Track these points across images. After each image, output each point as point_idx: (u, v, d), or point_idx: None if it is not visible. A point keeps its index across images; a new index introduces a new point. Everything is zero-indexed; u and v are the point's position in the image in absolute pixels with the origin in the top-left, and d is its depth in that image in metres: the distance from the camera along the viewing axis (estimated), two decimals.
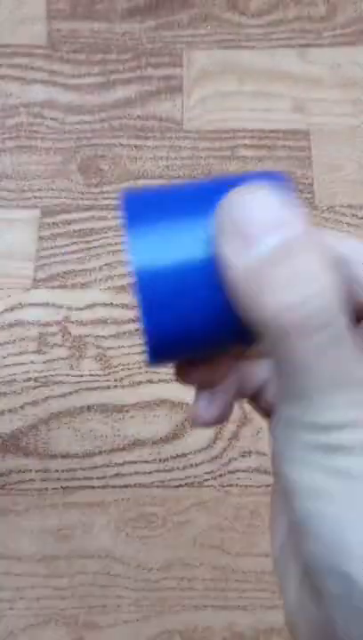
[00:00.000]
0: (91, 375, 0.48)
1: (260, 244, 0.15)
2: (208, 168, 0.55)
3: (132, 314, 0.50)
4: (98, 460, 0.46)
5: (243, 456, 0.46)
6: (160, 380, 0.48)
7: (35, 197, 0.54)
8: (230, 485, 0.45)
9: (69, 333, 0.49)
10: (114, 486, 0.45)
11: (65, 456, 0.46)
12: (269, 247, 0.15)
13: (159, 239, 0.17)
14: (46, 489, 0.46)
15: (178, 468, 0.46)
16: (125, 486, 0.45)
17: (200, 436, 0.47)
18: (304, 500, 0.16)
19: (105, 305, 0.50)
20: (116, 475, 0.46)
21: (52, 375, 0.48)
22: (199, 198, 0.18)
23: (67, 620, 0.42)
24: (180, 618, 0.42)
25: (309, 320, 0.15)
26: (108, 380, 0.48)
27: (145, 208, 0.17)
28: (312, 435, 0.16)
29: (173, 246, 0.17)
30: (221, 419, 0.21)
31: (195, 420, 0.21)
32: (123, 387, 0.48)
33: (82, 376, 0.48)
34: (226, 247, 0.16)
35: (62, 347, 0.49)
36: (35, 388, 0.48)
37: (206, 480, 0.45)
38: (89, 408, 0.47)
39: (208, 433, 0.46)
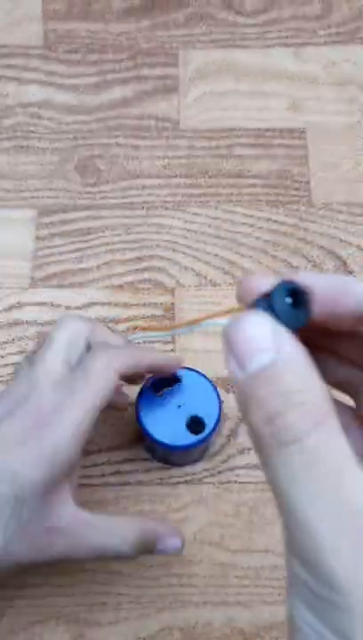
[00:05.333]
0: None
1: (250, 364, 0.18)
2: (204, 167, 0.55)
3: (129, 312, 0.50)
4: (97, 459, 0.46)
5: (241, 453, 0.46)
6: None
7: (32, 197, 0.54)
8: (229, 482, 0.45)
9: None
10: (113, 484, 0.46)
11: None
12: (255, 367, 0.18)
13: None
14: None
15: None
16: (125, 484, 0.46)
17: None
18: None
19: (103, 304, 0.50)
20: (116, 473, 0.46)
21: None
22: None
23: (67, 618, 0.43)
24: (180, 614, 0.43)
25: (280, 435, 0.17)
26: None
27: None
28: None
29: None
30: None
31: None
32: (121, 385, 0.48)
33: None
34: (228, 364, 0.18)
35: None
36: None
37: (205, 477, 0.45)
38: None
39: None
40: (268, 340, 0.18)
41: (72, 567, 0.44)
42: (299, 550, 0.16)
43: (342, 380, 0.24)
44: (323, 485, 0.16)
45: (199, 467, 0.46)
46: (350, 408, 0.24)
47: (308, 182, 0.55)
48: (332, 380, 0.24)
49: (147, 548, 0.35)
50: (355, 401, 0.24)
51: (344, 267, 0.52)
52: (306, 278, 0.20)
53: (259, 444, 0.17)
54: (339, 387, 0.24)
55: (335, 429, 0.17)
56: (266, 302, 0.20)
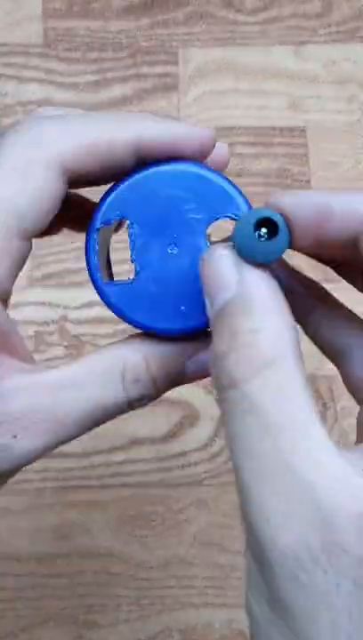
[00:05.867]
0: None
1: (216, 300, 0.17)
2: None
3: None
4: (96, 460, 0.46)
5: None
6: None
7: None
8: (230, 483, 0.45)
9: (67, 332, 0.49)
10: (113, 485, 0.45)
11: (63, 455, 0.46)
12: (220, 304, 0.17)
13: None
14: (45, 488, 0.45)
15: (177, 467, 0.46)
16: (124, 485, 0.45)
17: (199, 435, 0.47)
18: None
19: (102, 304, 0.50)
20: (115, 474, 0.45)
21: None
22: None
23: (66, 620, 0.42)
24: (179, 616, 0.42)
25: (223, 376, 0.16)
26: None
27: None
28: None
29: None
30: None
31: None
32: None
33: None
34: (205, 298, 0.18)
35: (60, 346, 0.49)
36: None
37: (205, 479, 0.45)
38: None
39: (207, 431, 0.46)
40: (230, 276, 0.17)
41: (71, 568, 0.44)
42: (242, 514, 0.15)
43: (331, 340, 0.22)
44: (255, 438, 0.15)
45: (200, 468, 0.45)
46: None
47: (308, 181, 0.54)
48: (319, 342, 0.22)
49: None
50: (340, 369, 0.22)
51: None
52: (282, 202, 0.19)
53: (215, 379, 0.17)
54: (327, 351, 0.22)
55: (286, 376, 0.16)
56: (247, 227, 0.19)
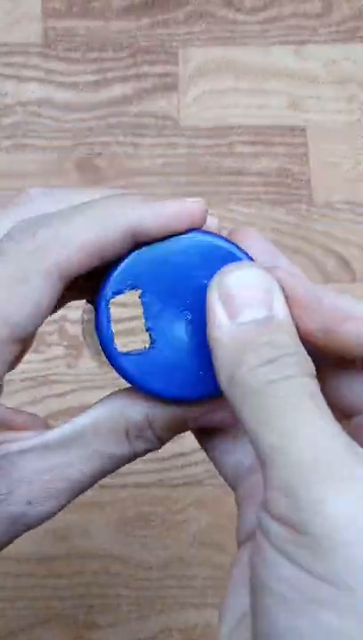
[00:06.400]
0: (88, 374, 0.48)
1: (243, 315, 0.18)
2: (205, 165, 0.55)
3: (129, 312, 0.50)
4: None
5: None
6: None
7: None
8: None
9: (67, 332, 0.49)
10: (112, 486, 0.45)
11: None
12: (249, 319, 0.18)
13: None
14: None
15: (176, 467, 0.46)
16: (124, 486, 0.45)
17: None
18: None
19: None
20: (115, 474, 0.45)
21: (49, 374, 0.48)
22: None
23: (66, 620, 0.42)
24: (179, 616, 0.42)
25: (280, 371, 0.17)
26: (105, 380, 0.48)
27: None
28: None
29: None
30: None
31: None
32: (120, 386, 0.48)
33: (79, 375, 0.48)
34: (213, 312, 0.18)
35: (60, 346, 0.49)
36: (33, 387, 0.48)
37: (205, 479, 0.45)
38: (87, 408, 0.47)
39: None
40: (265, 296, 0.18)
41: (71, 568, 0.44)
42: (294, 481, 0.15)
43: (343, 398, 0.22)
44: (325, 414, 0.16)
45: (200, 468, 0.45)
46: None
47: (308, 181, 0.54)
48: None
49: None
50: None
51: (346, 265, 0.51)
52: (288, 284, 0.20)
53: (250, 384, 0.17)
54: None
55: (318, 389, 0.17)
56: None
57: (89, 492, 0.45)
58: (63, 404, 0.47)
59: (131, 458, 0.22)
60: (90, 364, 0.48)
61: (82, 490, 0.22)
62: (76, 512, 0.45)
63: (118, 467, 0.22)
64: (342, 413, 0.22)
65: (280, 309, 0.18)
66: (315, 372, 0.18)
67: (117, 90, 0.57)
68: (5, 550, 0.44)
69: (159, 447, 0.22)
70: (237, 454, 0.23)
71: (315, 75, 0.58)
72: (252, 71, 0.58)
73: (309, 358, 0.18)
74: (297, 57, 0.59)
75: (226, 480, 0.24)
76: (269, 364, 0.17)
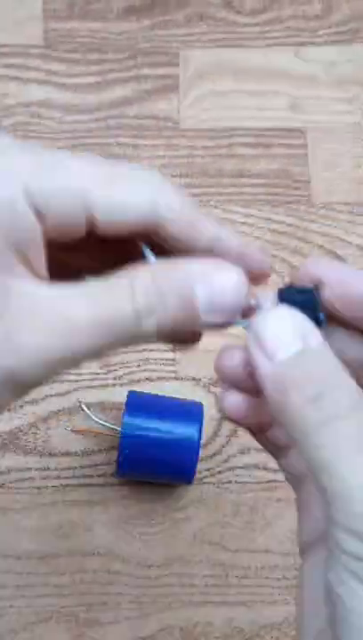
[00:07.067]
0: (90, 373, 0.48)
1: (279, 353, 0.19)
2: (205, 166, 0.55)
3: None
4: (97, 458, 0.46)
5: (242, 453, 0.46)
6: (159, 378, 0.48)
7: None
8: (229, 482, 0.45)
9: None
10: (113, 484, 0.46)
11: (65, 454, 0.47)
12: (288, 354, 0.19)
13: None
14: (46, 487, 0.46)
15: None
16: (125, 484, 0.46)
17: None
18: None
19: None
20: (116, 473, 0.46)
21: None
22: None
23: (67, 618, 0.43)
24: (180, 614, 0.42)
25: (328, 409, 0.18)
26: (106, 379, 0.48)
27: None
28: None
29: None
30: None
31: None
32: (121, 385, 0.48)
33: (81, 374, 0.48)
34: (254, 357, 0.19)
35: None
36: None
37: (205, 477, 0.45)
38: (88, 406, 0.47)
39: (207, 430, 0.46)
40: (297, 331, 0.19)
41: (72, 567, 0.44)
42: (348, 520, 0.17)
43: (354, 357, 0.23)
44: None
45: (200, 466, 0.45)
46: None
47: (308, 182, 0.54)
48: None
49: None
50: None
51: None
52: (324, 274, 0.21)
53: (299, 425, 0.18)
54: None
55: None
56: (291, 297, 0.21)
57: (90, 491, 0.45)
58: (64, 404, 0.47)
59: (135, 323, 0.19)
60: (91, 363, 0.48)
61: (80, 344, 0.19)
62: (77, 510, 0.45)
63: (121, 334, 0.19)
64: None
65: (312, 340, 0.19)
66: (361, 393, 0.18)
67: (118, 91, 0.57)
68: (7, 548, 0.45)
69: (167, 323, 0.20)
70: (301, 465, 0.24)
71: (315, 76, 0.58)
72: (252, 73, 0.58)
73: (352, 381, 0.18)
74: (297, 58, 0.59)
75: (288, 481, 0.25)
76: (314, 402, 0.18)
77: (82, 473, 0.46)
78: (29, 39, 0.59)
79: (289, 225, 0.53)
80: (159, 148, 0.55)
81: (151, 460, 0.41)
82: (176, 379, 0.48)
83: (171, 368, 0.48)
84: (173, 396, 0.45)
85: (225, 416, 0.24)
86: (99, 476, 0.46)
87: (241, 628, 0.42)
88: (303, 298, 0.21)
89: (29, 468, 0.46)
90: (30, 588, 0.43)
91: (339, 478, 0.17)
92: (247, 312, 0.21)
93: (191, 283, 0.19)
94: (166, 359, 0.49)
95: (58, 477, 0.46)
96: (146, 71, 0.58)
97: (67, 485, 0.46)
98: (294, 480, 0.24)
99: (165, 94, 0.57)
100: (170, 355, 0.49)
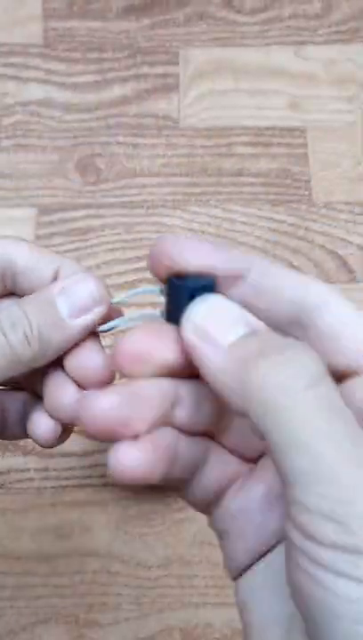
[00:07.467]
0: None
1: (225, 339, 0.18)
2: (204, 165, 0.55)
3: (129, 312, 0.50)
4: (97, 459, 0.46)
5: None
6: None
7: (31, 196, 0.53)
8: None
9: None
10: (113, 485, 0.45)
11: (64, 455, 0.46)
12: (232, 339, 0.18)
13: None
14: (45, 488, 0.46)
15: None
16: (125, 484, 0.45)
17: None
18: None
19: None
20: None
21: None
22: None
23: (67, 619, 0.42)
24: (180, 615, 0.42)
25: (295, 379, 0.16)
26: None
27: None
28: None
29: None
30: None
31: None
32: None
33: None
34: (197, 349, 0.18)
35: None
36: None
37: None
38: None
39: None
40: (238, 315, 0.19)
41: (72, 567, 0.44)
42: (334, 506, 0.15)
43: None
44: (350, 429, 0.16)
45: None
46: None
47: (308, 181, 0.54)
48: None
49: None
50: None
51: (345, 266, 0.52)
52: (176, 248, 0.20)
53: (267, 400, 0.16)
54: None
55: (332, 387, 0.17)
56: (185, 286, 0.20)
57: (89, 491, 0.45)
58: None
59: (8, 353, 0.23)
60: None
61: None
62: (76, 510, 0.45)
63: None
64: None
65: (256, 322, 0.19)
66: (326, 366, 0.17)
67: (117, 90, 0.57)
68: (6, 549, 0.45)
69: (38, 359, 0.24)
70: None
71: (315, 75, 0.58)
72: (252, 72, 0.58)
73: (314, 354, 0.17)
74: (297, 57, 0.59)
75: (213, 528, 0.24)
76: (281, 373, 0.16)
77: (81, 473, 0.46)
78: (29, 38, 0.59)
79: (289, 224, 0.53)
80: (159, 148, 0.55)
81: None
82: None
83: None
84: None
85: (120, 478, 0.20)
86: (98, 476, 0.46)
87: (241, 630, 0.42)
88: (201, 286, 0.19)
89: (29, 469, 0.46)
90: (29, 589, 0.43)
91: (314, 456, 0.15)
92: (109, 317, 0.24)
93: (51, 295, 0.22)
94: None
95: (57, 478, 0.46)
96: (146, 70, 0.58)
97: (66, 486, 0.46)
98: (221, 529, 0.23)
99: (164, 93, 0.57)
100: None
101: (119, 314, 0.26)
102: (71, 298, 0.23)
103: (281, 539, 0.21)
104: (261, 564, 0.22)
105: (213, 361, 0.18)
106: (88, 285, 0.23)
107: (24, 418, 0.26)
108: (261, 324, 0.19)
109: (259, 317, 0.19)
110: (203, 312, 0.19)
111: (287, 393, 0.16)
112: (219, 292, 0.20)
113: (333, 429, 0.16)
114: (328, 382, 0.17)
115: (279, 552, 0.21)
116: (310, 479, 0.15)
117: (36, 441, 0.25)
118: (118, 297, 0.25)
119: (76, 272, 0.24)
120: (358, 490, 0.15)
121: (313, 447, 0.15)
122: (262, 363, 0.17)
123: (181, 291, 0.19)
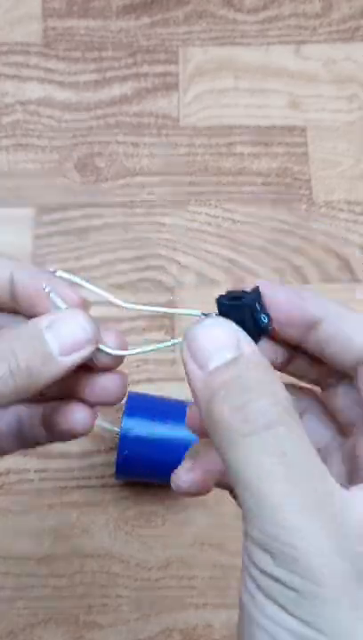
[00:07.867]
0: None
1: (211, 362, 0.19)
2: (204, 165, 0.55)
3: (129, 312, 0.50)
4: (96, 460, 0.46)
5: None
6: (159, 379, 0.48)
7: (31, 195, 0.53)
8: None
9: None
10: (113, 485, 0.45)
11: (63, 456, 0.46)
12: (216, 364, 0.19)
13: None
14: (45, 489, 0.45)
15: None
16: (124, 485, 0.45)
17: None
18: None
19: (102, 303, 0.50)
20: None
21: None
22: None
23: (67, 620, 0.42)
24: (179, 616, 0.42)
25: (252, 421, 0.17)
26: None
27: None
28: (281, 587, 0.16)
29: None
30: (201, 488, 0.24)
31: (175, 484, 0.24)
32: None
33: None
34: (187, 368, 0.19)
35: None
36: None
37: None
38: None
39: None
40: (229, 340, 0.19)
41: (71, 568, 0.44)
42: (270, 542, 0.16)
43: (311, 378, 0.24)
44: (296, 473, 0.16)
45: None
46: (310, 391, 0.24)
47: (309, 180, 0.54)
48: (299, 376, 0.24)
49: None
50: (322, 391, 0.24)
51: (346, 265, 0.51)
52: (269, 291, 0.21)
53: (223, 434, 0.18)
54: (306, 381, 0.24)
55: (299, 421, 0.18)
56: (229, 308, 0.21)
57: (89, 492, 0.45)
58: None
59: None
60: None
61: None
62: (76, 512, 0.45)
63: None
64: (342, 426, 0.23)
65: (245, 347, 0.19)
66: (291, 402, 0.18)
67: (117, 89, 0.57)
68: (5, 550, 0.44)
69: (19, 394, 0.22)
70: None
71: (315, 74, 0.58)
72: (252, 71, 0.58)
73: (282, 391, 0.18)
74: (297, 56, 0.59)
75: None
76: (239, 412, 0.17)
77: (81, 474, 0.46)
78: (28, 37, 0.59)
79: (290, 224, 0.53)
80: (159, 146, 0.55)
81: (150, 462, 0.41)
82: (176, 379, 0.48)
83: (171, 369, 0.48)
84: (173, 397, 0.45)
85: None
86: (98, 477, 0.45)
87: None
88: (245, 300, 0.21)
89: (28, 470, 0.46)
90: (29, 590, 0.43)
91: (256, 495, 0.16)
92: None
93: (38, 330, 0.22)
94: (166, 360, 0.48)
95: (57, 479, 0.46)
96: (145, 69, 0.58)
97: (65, 487, 0.46)
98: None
99: (164, 92, 0.57)
100: (170, 355, 0.48)
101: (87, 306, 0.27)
102: (61, 334, 0.22)
103: None
104: None
105: (194, 381, 0.19)
106: (78, 321, 0.22)
107: (19, 432, 0.26)
108: (251, 348, 0.19)
109: (328, 360, 0.21)
110: (199, 333, 0.20)
111: (242, 432, 0.17)
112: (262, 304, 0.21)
113: (277, 471, 0.17)
114: (288, 422, 0.17)
115: None
116: (254, 518, 0.17)
117: (69, 431, 0.25)
118: (133, 349, 0.25)
119: (34, 276, 0.24)
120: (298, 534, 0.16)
121: (256, 487, 0.17)
122: (224, 402, 0.18)
123: (240, 308, 0.21)
